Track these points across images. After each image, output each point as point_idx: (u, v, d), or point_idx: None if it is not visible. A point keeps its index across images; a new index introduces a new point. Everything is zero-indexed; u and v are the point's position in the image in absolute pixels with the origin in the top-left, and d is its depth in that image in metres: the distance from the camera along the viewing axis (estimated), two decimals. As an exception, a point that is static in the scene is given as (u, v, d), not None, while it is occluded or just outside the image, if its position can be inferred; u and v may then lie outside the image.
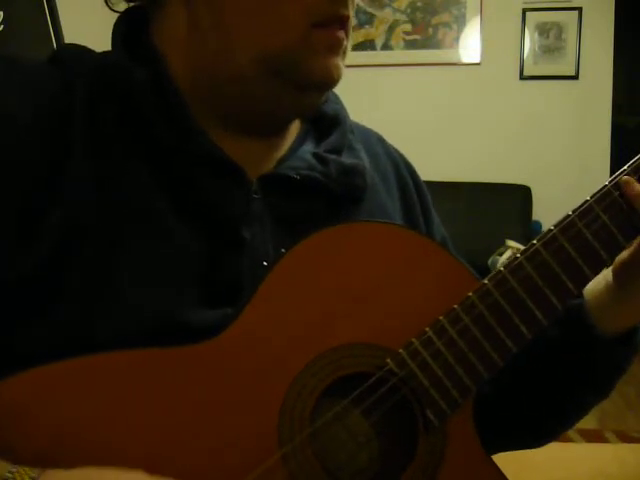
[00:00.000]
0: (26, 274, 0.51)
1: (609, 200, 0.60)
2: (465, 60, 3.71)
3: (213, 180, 0.58)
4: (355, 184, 0.65)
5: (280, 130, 0.65)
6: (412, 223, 0.72)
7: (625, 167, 0.61)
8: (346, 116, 0.70)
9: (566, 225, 0.60)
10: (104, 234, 0.53)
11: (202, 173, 0.58)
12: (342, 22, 0.58)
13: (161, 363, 0.52)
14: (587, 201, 0.60)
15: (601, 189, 0.61)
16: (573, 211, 0.60)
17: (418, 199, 0.75)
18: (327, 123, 0.68)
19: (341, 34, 0.58)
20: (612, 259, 0.61)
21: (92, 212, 0.53)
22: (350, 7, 0.58)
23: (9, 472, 0.46)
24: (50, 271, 0.51)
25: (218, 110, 0.60)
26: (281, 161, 0.64)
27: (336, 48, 0.58)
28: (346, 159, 0.65)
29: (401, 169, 0.75)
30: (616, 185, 0.61)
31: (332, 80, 0.59)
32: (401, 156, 0.78)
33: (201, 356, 0.53)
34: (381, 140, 0.77)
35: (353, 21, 0.60)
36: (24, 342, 0.51)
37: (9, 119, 0.53)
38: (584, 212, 0.60)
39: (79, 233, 0.52)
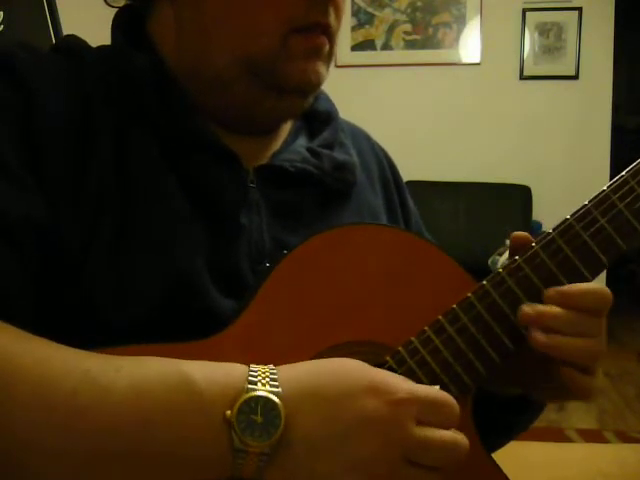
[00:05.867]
0: (57, 255, 0.52)
1: (607, 204, 0.61)
2: (465, 60, 3.71)
3: (212, 167, 0.59)
4: (346, 179, 0.67)
5: (270, 131, 0.66)
6: (393, 218, 0.74)
7: (623, 173, 0.62)
8: (337, 114, 0.72)
9: (564, 228, 0.60)
10: (120, 217, 0.54)
11: (203, 159, 0.59)
12: (323, 28, 0.58)
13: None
14: (585, 205, 0.61)
15: (599, 194, 0.61)
16: (571, 215, 0.60)
17: (397, 194, 0.77)
18: (319, 120, 0.70)
19: (321, 39, 0.58)
20: (611, 261, 0.61)
21: (113, 195, 0.55)
22: (332, 15, 0.58)
23: (251, 373, 0.47)
24: (77, 254, 0.52)
25: (208, 108, 0.61)
26: (276, 154, 0.65)
27: (315, 53, 0.59)
28: (338, 155, 0.67)
29: (384, 165, 0.77)
30: (614, 189, 0.61)
31: (310, 84, 0.60)
32: (384, 152, 0.80)
33: (204, 352, 0.53)
34: (367, 138, 0.79)
35: (339, 26, 0.60)
36: (39, 328, 0.51)
37: (41, 104, 0.54)
38: (582, 215, 0.60)
39: (102, 218, 0.54)
